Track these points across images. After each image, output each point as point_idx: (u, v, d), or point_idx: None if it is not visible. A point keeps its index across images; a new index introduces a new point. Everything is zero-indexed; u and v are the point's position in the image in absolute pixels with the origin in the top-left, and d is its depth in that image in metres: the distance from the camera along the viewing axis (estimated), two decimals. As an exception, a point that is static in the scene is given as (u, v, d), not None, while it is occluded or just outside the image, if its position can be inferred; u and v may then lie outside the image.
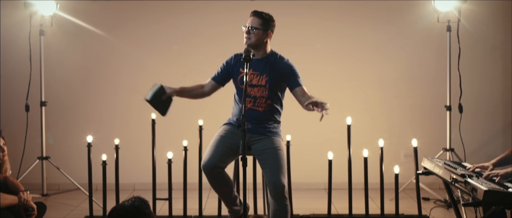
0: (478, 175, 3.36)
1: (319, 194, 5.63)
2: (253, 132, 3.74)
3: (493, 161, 3.56)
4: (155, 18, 5.90)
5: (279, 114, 3.86)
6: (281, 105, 3.86)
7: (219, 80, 3.90)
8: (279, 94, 3.82)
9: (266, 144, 3.73)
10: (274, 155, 3.68)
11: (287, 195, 3.65)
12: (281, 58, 3.81)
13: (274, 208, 3.65)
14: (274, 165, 3.64)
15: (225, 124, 3.88)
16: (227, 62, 3.88)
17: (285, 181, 3.63)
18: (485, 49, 5.91)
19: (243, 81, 3.59)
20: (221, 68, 3.90)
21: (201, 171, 4.70)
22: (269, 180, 3.63)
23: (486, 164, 3.53)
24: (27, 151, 5.55)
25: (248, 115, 3.66)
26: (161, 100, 3.79)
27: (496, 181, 3.30)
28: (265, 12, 3.76)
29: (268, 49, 3.80)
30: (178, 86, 3.87)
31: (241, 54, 3.70)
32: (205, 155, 3.72)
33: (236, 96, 3.88)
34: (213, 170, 3.67)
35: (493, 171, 3.41)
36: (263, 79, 3.74)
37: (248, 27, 3.71)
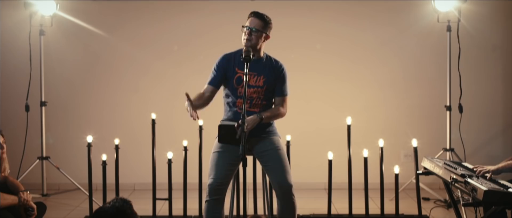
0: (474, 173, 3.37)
1: (319, 194, 5.63)
2: (252, 135, 3.68)
3: (499, 164, 3.53)
4: (155, 18, 5.90)
5: None
6: (272, 105, 3.85)
7: (216, 84, 3.76)
8: (272, 94, 3.80)
9: (266, 145, 3.72)
10: (275, 155, 3.67)
11: (294, 193, 3.64)
12: (277, 61, 3.80)
13: (281, 207, 3.64)
14: (278, 166, 3.64)
15: None
16: (218, 65, 3.76)
17: (291, 179, 3.63)
18: (485, 49, 5.91)
19: (240, 82, 3.65)
20: (215, 72, 3.76)
21: (201, 171, 4.73)
22: (275, 181, 3.62)
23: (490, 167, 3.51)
24: (27, 151, 5.54)
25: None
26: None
27: (488, 177, 3.31)
28: (265, 14, 3.72)
29: (262, 51, 3.78)
30: (187, 102, 3.50)
31: (234, 54, 3.72)
32: (209, 175, 3.63)
33: (229, 99, 3.78)
34: (219, 187, 3.57)
35: (485, 168, 3.41)
36: (261, 80, 3.72)
37: (250, 29, 3.66)
